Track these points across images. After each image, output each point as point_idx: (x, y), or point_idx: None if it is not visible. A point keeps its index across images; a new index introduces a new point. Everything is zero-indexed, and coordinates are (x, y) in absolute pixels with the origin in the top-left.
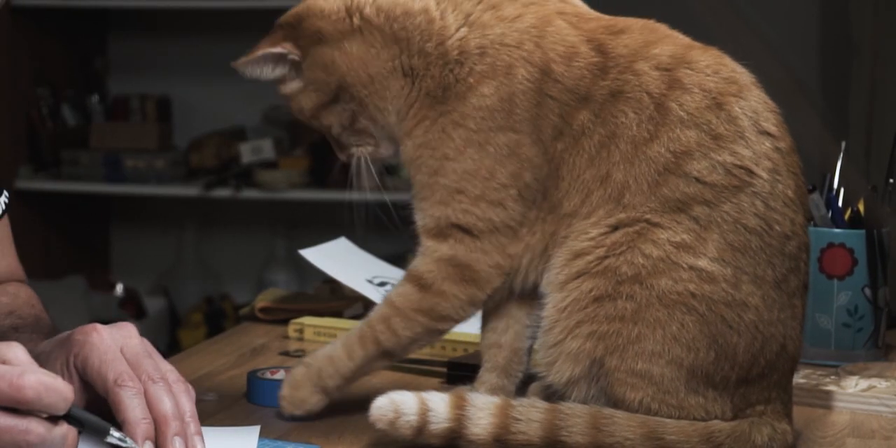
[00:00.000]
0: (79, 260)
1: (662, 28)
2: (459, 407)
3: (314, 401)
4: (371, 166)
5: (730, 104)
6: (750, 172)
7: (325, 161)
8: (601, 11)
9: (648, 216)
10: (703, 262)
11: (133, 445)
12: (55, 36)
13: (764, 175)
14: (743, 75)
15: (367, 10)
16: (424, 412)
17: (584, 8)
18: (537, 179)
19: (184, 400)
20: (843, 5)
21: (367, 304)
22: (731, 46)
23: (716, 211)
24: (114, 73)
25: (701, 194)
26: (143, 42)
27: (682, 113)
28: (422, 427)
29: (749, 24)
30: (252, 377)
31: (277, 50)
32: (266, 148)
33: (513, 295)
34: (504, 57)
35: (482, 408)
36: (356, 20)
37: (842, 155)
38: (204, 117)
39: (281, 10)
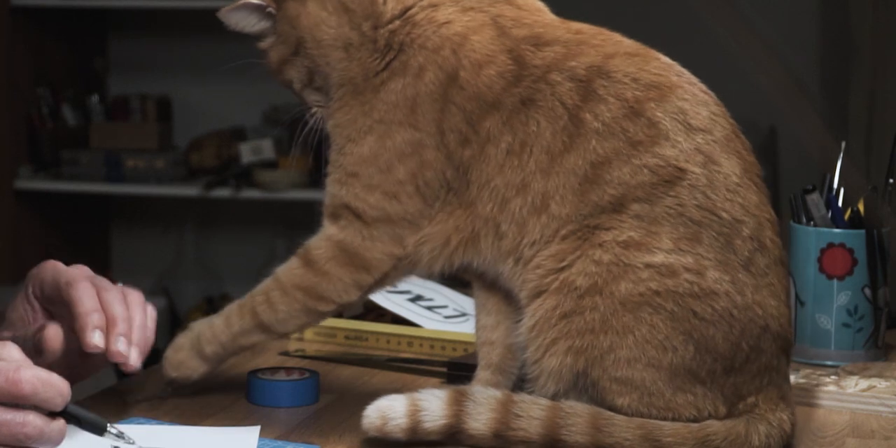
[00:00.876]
0: (79, 260)
1: (599, 36)
2: (458, 402)
3: (192, 365)
4: (322, 127)
5: (650, 110)
6: (679, 169)
7: (325, 161)
8: (602, 10)
9: (587, 221)
10: (658, 258)
11: (131, 440)
12: (55, 36)
13: (696, 169)
14: (669, 77)
15: None
16: (414, 413)
17: (532, 9)
18: (440, 181)
19: (137, 310)
20: (843, 5)
21: (367, 304)
22: (731, 46)
23: (657, 206)
24: (114, 73)
25: (631, 193)
26: (143, 42)
27: (597, 124)
28: (414, 427)
29: (749, 24)
30: (252, 377)
31: (257, 1)
32: (266, 148)
33: (480, 287)
34: (420, 58)
35: (482, 403)
36: None
37: (842, 155)
38: (204, 117)
39: None
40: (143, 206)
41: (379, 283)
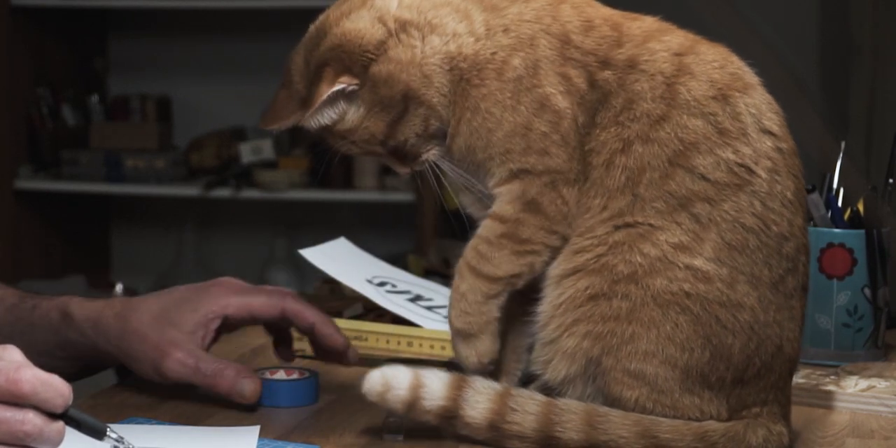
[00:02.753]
0: (79, 260)
1: (670, 26)
2: (458, 387)
3: (488, 345)
4: (443, 166)
5: (735, 99)
6: (750, 171)
7: (325, 161)
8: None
9: (652, 221)
10: (698, 262)
11: (130, 445)
12: (55, 36)
13: (763, 174)
14: (748, 74)
15: (395, 12)
16: (416, 388)
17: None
18: (574, 129)
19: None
20: (843, 5)
21: (367, 304)
22: (731, 46)
23: (716, 209)
24: (114, 73)
25: (704, 191)
26: (143, 42)
27: (689, 98)
28: (413, 402)
29: (749, 24)
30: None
31: (338, 87)
32: (266, 148)
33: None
34: (526, 30)
35: (481, 392)
36: (391, 24)
37: (842, 155)
38: (204, 117)
39: (280, 11)
40: (143, 206)
41: (565, 235)
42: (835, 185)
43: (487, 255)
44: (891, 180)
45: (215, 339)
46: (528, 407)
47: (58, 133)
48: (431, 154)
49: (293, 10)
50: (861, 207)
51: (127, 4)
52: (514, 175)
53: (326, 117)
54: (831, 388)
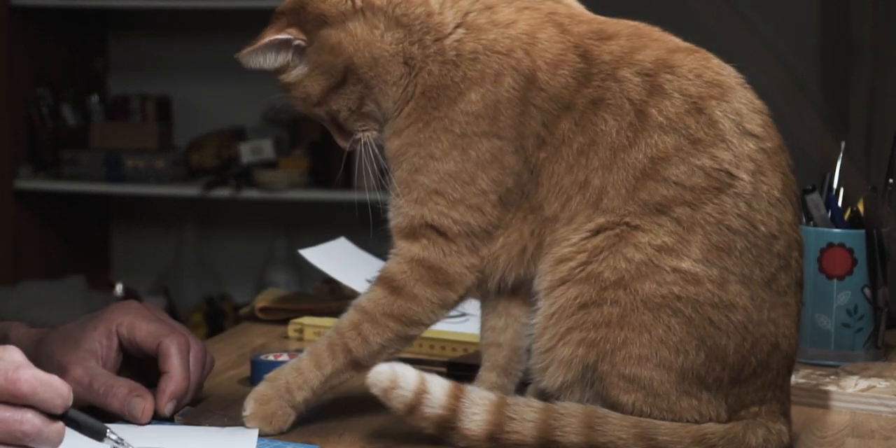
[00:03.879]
0: (79, 260)
1: (653, 31)
2: (456, 397)
3: (284, 416)
4: (376, 150)
5: (710, 108)
6: (730, 175)
7: (325, 161)
8: (603, 12)
9: (628, 219)
10: (686, 264)
11: (130, 446)
12: (55, 36)
13: (745, 177)
14: (728, 77)
15: None
16: (421, 392)
17: (578, 8)
18: (518, 185)
19: (197, 370)
20: (843, 5)
21: None
22: (731, 46)
23: (698, 212)
24: (114, 73)
25: (681, 196)
26: (143, 42)
27: (661, 118)
28: (415, 406)
29: (749, 24)
30: (256, 359)
31: (283, 36)
32: (266, 148)
33: (489, 294)
34: (494, 64)
35: (477, 403)
36: (358, 1)
37: (842, 155)
38: (204, 117)
39: None
40: (143, 206)
41: (461, 300)
42: (835, 185)
43: (370, 339)
44: (891, 180)
45: (124, 359)
46: (525, 415)
47: (58, 133)
48: (366, 135)
49: None
50: (861, 207)
51: (127, 4)
52: (422, 233)
53: (266, 62)
54: (831, 388)
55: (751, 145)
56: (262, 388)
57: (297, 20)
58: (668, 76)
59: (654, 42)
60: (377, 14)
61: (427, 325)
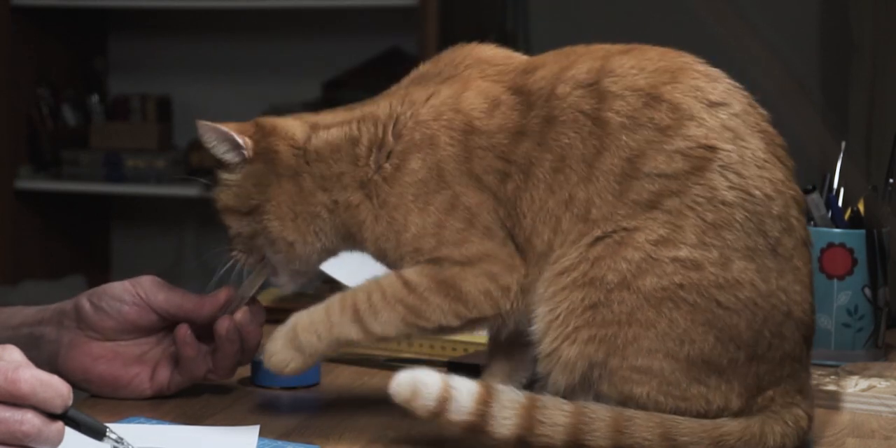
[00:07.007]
0: (79, 260)
1: (578, 49)
2: (485, 402)
3: (285, 356)
4: (244, 271)
5: (667, 93)
6: (711, 148)
7: None
8: (602, 16)
9: (623, 224)
10: (683, 252)
11: (130, 446)
12: (55, 36)
13: (727, 146)
14: (672, 60)
15: (311, 155)
16: (445, 400)
17: (503, 57)
18: (497, 220)
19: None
20: (843, 5)
21: None
22: (731, 46)
23: (686, 198)
24: (114, 73)
25: (667, 187)
26: (143, 42)
27: (621, 119)
28: (438, 413)
29: (749, 24)
30: (256, 360)
31: (239, 140)
32: None
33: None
34: (425, 131)
35: (507, 406)
36: (302, 162)
37: (842, 155)
38: (204, 117)
39: (280, 11)
40: (143, 206)
41: (484, 321)
42: (835, 185)
43: (378, 309)
44: (891, 180)
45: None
46: (556, 418)
47: (58, 133)
48: (241, 257)
49: (293, 11)
50: (861, 207)
51: (127, 4)
52: (428, 261)
53: (214, 145)
54: (831, 388)
55: (721, 115)
56: (278, 329)
57: (259, 136)
58: (611, 79)
59: (582, 56)
60: (313, 172)
61: (439, 325)
